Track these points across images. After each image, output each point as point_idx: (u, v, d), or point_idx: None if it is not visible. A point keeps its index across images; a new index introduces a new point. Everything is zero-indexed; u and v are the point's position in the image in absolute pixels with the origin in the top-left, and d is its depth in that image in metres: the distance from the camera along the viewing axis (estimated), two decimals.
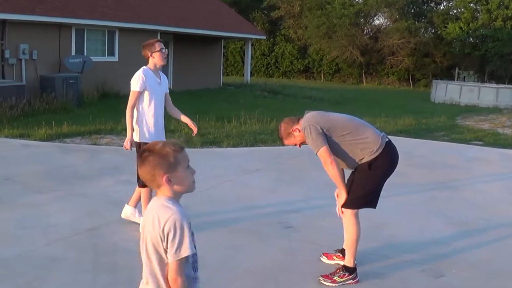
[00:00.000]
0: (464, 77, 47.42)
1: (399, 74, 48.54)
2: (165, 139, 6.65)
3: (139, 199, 6.93)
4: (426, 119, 20.26)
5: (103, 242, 6.33)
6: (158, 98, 6.72)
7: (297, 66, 52.31)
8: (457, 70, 45.95)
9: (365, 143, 5.45)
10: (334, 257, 5.96)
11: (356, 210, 5.55)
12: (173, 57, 27.27)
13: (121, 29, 22.54)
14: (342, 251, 5.89)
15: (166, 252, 2.84)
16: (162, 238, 2.82)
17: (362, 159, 5.46)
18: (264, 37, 39.96)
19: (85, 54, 21.01)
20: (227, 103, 22.46)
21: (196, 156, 11.47)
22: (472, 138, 16.32)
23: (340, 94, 30.82)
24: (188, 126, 7.02)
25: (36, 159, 10.50)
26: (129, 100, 6.60)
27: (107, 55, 22.45)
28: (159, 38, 23.89)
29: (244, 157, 11.68)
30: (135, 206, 7.01)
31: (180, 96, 23.13)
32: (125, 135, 6.78)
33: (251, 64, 35.48)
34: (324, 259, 6.01)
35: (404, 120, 19.27)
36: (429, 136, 16.25)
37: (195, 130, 7.01)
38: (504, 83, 38.58)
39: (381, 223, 7.30)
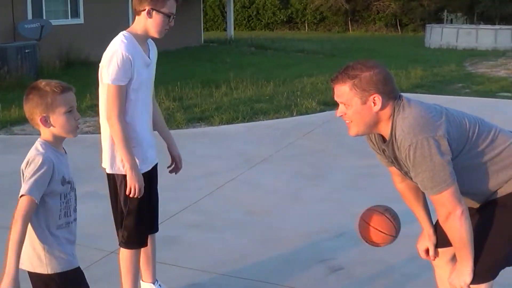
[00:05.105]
0: (452, 19, 46.02)
1: (386, 20, 47.14)
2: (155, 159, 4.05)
3: (152, 265, 4.28)
4: (435, 69, 18.42)
5: None
6: (147, 91, 3.95)
7: (280, 17, 50.16)
8: (445, 13, 44.09)
9: (505, 159, 3.02)
10: None
11: (493, 281, 3.09)
12: None
13: None
14: None
15: None
16: (23, 175, 2.83)
17: (500, 188, 3.02)
18: None
19: (44, 17, 18.39)
20: (211, 64, 19.87)
21: (181, 140, 8.92)
22: (497, 89, 14.52)
23: (333, 45, 28.40)
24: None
25: None
26: (109, 104, 3.71)
27: (71, 17, 19.86)
28: None
29: (244, 138, 9.18)
30: (153, 281, 4.31)
31: (157, 59, 20.67)
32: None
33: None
34: None
35: (415, 72, 17.16)
36: (449, 90, 14.44)
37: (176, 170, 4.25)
38: (495, 24, 36.78)
39: None
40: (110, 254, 4.90)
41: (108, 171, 3.84)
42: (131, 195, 3.73)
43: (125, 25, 17.07)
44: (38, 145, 2.90)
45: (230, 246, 5.19)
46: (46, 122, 2.87)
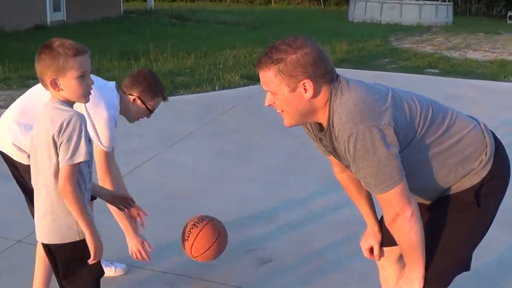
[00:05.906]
0: None
1: None
2: None
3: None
4: (361, 43, 18.29)
5: None
6: None
7: None
8: None
9: (464, 150, 2.60)
10: None
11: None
12: None
13: None
14: None
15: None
16: (57, 141, 2.60)
17: (455, 184, 2.63)
18: None
19: None
20: (131, 35, 19.06)
21: None
22: (425, 65, 14.48)
23: (255, 17, 27.93)
24: None
25: None
26: (102, 164, 3.66)
27: None
28: None
29: (164, 113, 8.49)
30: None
31: (75, 30, 19.73)
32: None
33: None
34: None
35: (340, 46, 17.00)
36: (376, 65, 14.31)
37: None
38: None
39: None
40: (16, 244, 4.37)
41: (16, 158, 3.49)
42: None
43: None
44: (58, 105, 2.65)
45: (148, 233, 4.67)
46: (56, 84, 2.62)
